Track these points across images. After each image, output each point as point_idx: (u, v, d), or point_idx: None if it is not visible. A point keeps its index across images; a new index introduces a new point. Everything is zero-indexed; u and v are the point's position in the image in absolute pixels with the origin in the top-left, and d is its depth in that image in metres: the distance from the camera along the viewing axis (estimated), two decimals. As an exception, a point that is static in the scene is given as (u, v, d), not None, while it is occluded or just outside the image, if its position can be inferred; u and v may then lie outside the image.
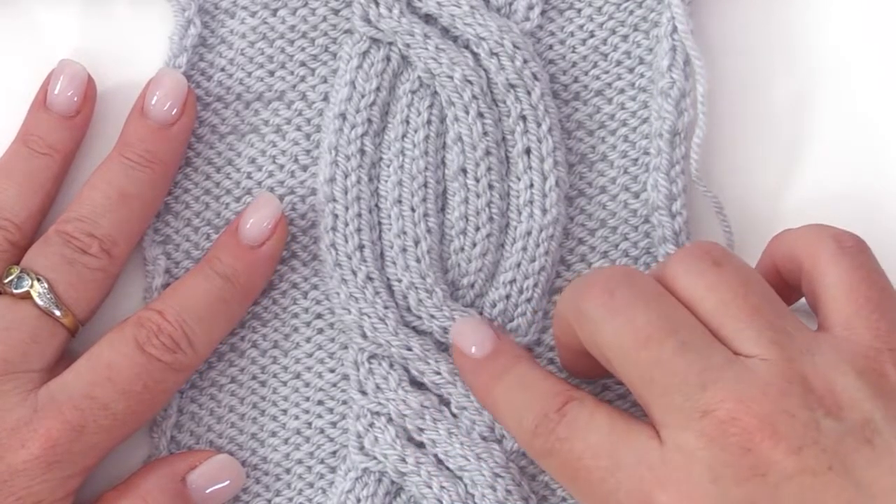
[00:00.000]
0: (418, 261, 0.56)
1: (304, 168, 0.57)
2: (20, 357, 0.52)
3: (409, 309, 0.55)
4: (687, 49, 0.56)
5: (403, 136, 0.56)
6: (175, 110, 0.55)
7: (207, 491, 0.54)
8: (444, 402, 0.55)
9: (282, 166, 0.57)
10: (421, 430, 0.55)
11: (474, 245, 0.56)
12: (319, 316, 0.57)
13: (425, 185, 0.56)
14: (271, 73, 0.57)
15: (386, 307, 0.55)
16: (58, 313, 0.53)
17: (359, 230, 0.56)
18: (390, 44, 0.56)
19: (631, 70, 0.57)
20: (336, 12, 0.57)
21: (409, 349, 0.55)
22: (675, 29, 0.56)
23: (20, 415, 0.51)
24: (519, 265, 0.56)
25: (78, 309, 0.53)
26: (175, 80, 0.55)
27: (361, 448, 0.55)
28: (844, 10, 0.58)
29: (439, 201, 0.56)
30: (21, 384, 0.52)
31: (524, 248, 0.56)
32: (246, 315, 0.56)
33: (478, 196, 0.56)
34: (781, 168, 0.58)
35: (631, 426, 0.48)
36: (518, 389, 0.52)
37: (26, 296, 0.53)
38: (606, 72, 0.57)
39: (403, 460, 0.55)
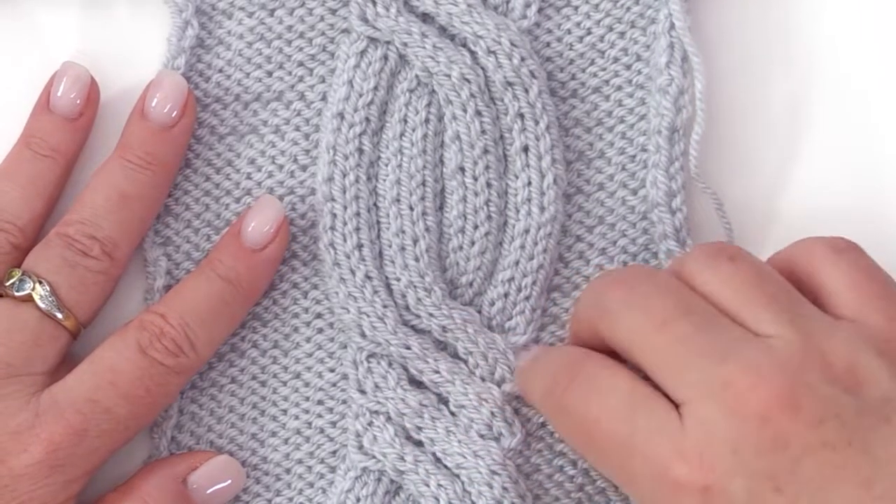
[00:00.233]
0: (417, 259, 0.56)
1: (304, 168, 0.57)
2: (22, 360, 0.53)
3: (407, 308, 0.56)
4: (685, 46, 0.56)
5: (401, 134, 0.56)
6: (175, 112, 0.55)
7: (208, 492, 0.55)
8: (443, 401, 0.56)
9: (281, 166, 0.57)
10: (419, 428, 0.55)
11: (473, 243, 0.56)
12: (319, 316, 0.57)
13: (423, 183, 0.56)
14: (269, 74, 0.57)
15: (385, 306, 0.55)
16: (60, 316, 0.53)
17: (357, 229, 0.56)
18: (388, 43, 0.56)
19: (628, 67, 0.57)
20: (333, 12, 0.57)
21: (408, 348, 0.55)
22: (672, 26, 0.56)
23: (22, 419, 0.52)
24: (517, 263, 0.56)
25: (80, 311, 0.54)
26: (175, 81, 0.56)
27: (360, 447, 0.56)
28: (842, 4, 0.58)
29: (437, 200, 0.56)
30: (23, 387, 0.52)
31: (522, 246, 0.56)
32: (246, 315, 0.57)
33: (476, 194, 0.56)
34: (779, 164, 0.58)
35: (651, 393, 0.48)
36: (538, 358, 0.53)
37: (28, 298, 0.53)
38: (604, 69, 0.57)
39: (402, 459, 0.55)
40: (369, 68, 0.56)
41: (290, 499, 0.56)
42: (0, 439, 0.51)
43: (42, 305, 0.53)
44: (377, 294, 0.55)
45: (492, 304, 0.56)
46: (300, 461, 0.56)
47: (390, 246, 0.56)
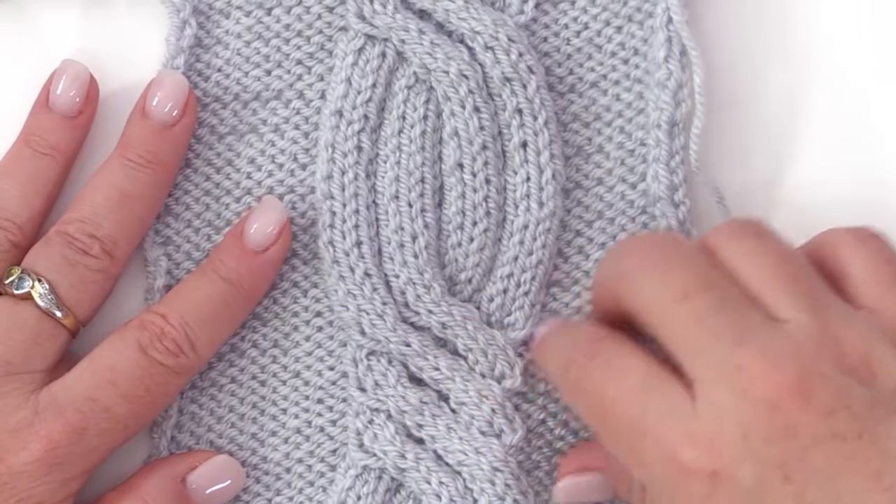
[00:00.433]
0: (416, 256, 0.56)
1: (304, 166, 0.57)
2: (21, 358, 0.53)
3: (407, 305, 0.56)
4: (683, 40, 0.56)
5: (400, 131, 0.56)
6: (176, 111, 0.55)
7: (207, 491, 0.55)
8: (443, 398, 0.55)
9: (281, 165, 0.57)
10: (420, 426, 0.55)
11: (472, 240, 0.56)
12: (319, 314, 0.57)
13: (422, 180, 0.56)
14: (268, 73, 0.57)
15: (384, 303, 0.55)
16: (59, 314, 0.53)
17: (356, 227, 0.56)
18: (385, 40, 0.56)
19: (626, 61, 0.57)
20: (331, 10, 0.57)
21: (408, 345, 0.55)
22: (670, 20, 0.56)
23: (21, 416, 0.52)
24: (516, 259, 0.56)
25: (79, 310, 0.54)
26: (176, 80, 0.56)
27: (361, 445, 0.55)
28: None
29: (436, 196, 0.56)
30: (22, 385, 0.52)
31: (521, 242, 0.56)
32: (247, 316, 0.57)
33: (475, 191, 0.56)
34: (778, 157, 0.58)
35: (665, 376, 0.48)
36: (558, 333, 0.53)
37: (27, 297, 0.53)
38: (601, 63, 0.57)
39: (403, 456, 0.55)
40: (367, 66, 0.56)
41: (291, 498, 0.56)
42: (-1, 437, 0.52)
43: (41, 304, 0.53)
44: (376, 291, 0.55)
45: (491, 300, 0.56)
46: (300, 460, 0.56)
47: (389, 243, 0.56)
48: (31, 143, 0.55)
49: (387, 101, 0.57)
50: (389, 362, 0.56)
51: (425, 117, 0.56)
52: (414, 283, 0.55)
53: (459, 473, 0.55)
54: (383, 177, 0.56)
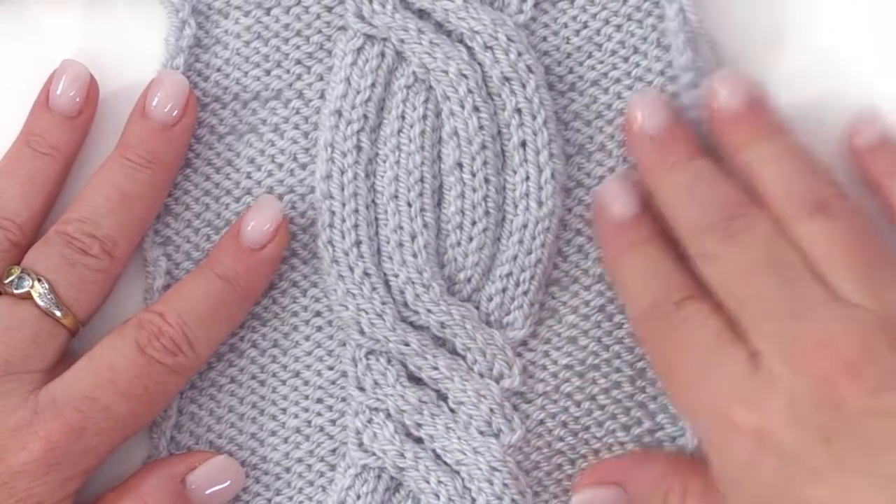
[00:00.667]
0: (415, 256, 0.56)
1: (303, 166, 0.57)
2: (20, 358, 0.53)
3: (406, 304, 0.56)
4: (703, 39, 0.56)
5: (399, 131, 0.56)
6: (176, 111, 0.55)
7: (207, 492, 0.55)
8: (442, 397, 0.55)
9: (281, 165, 0.57)
10: (419, 425, 0.55)
11: (471, 239, 0.56)
12: (318, 313, 0.57)
13: (422, 180, 0.56)
14: (267, 72, 0.57)
15: (383, 303, 0.55)
16: (58, 314, 0.53)
17: (356, 226, 0.56)
18: (384, 40, 0.56)
19: (626, 59, 0.57)
20: (330, 9, 0.57)
21: (407, 344, 0.55)
22: (686, 20, 0.56)
23: (21, 416, 0.52)
24: (515, 258, 0.56)
25: (78, 310, 0.54)
26: (176, 81, 0.56)
27: (360, 444, 0.55)
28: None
29: (436, 196, 0.56)
30: (21, 385, 0.52)
31: (520, 241, 0.56)
32: (246, 315, 0.57)
33: (474, 190, 0.56)
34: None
35: (736, 342, 0.50)
36: (646, 266, 0.54)
37: (27, 296, 0.53)
38: (601, 62, 0.57)
39: (402, 455, 0.55)
40: (366, 65, 0.56)
41: (291, 498, 0.56)
42: (-2, 437, 0.52)
43: (41, 303, 0.53)
44: (375, 291, 0.55)
45: (490, 299, 0.56)
46: (300, 460, 0.56)
47: (388, 242, 0.56)
48: (30, 143, 0.55)
49: (386, 100, 0.56)
50: (388, 361, 0.56)
51: (424, 117, 0.56)
52: (413, 283, 0.55)
53: (458, 473, 0.55)
54: (382, 176, 0.56)
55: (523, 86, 0.56)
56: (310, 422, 0.56)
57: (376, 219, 0.56)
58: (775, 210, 0.52)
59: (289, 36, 0.57)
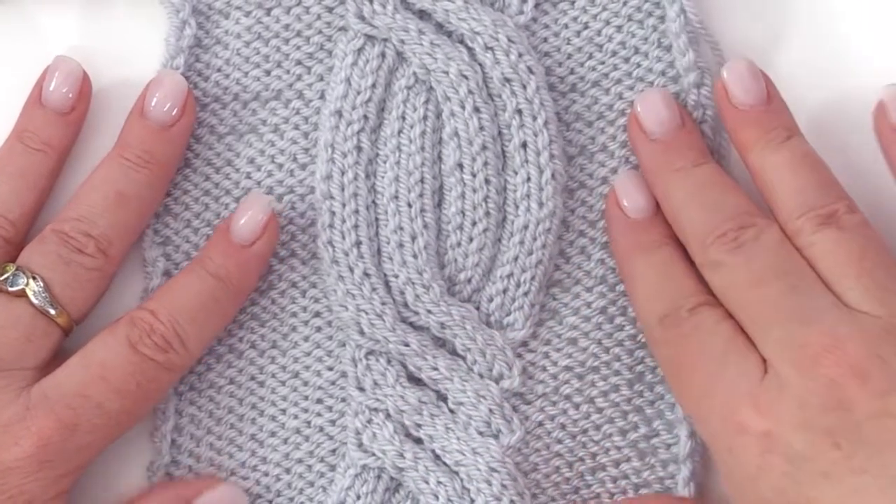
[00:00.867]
0: (415, 256, 0.55)
1: (303, 167, 0.57)
2: (14, 355, 0.52)
3: (406, 305, 0.55)
4: (705, 40, 0.56)
5: (400, 132, 0.56)
6: (175, 111, 0.55)
7: None
8: (442, 398, 0.55)
9: (280, 165, 0.57)
10: (419, 425, 0.55)
11: (471, 240, 0.56)
12: (318, 314, 0.56)
13: (422, 180, 0.56)
14: (268, 73, 0.57)
15: (383, 303, 0.55)
16: (53, 312, 0.53)
17: (356, 226, 0.55)
18: (385, 40, 0.56)
19: (626, 60, 0.57)
20: (330, 10, 0.57)
21: (407, 345, 0.55)
22: (687, 21, 0.56)
23: (13, 412, 0.51)
24: (516, 259, 0.56)
25: (73, 308, 0.53)
26: (175, 81, 0.56)
27: (360, 445, 0.55)
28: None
29: (436, 196, 0.56)
30: (13, 382, 0.52)
31: (521, 242, 0.56)
32: (244, 316, 0.56)
33: (474, 191, 0.56)
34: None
35: (746, 348, 0.51)
36: (660, 270, 0.54)
37: (21, 294, 0.53)
38: (602, 62, 0.57)
39: (401, 456, 0.54)
40: (367, 66, 0.56)
41: (291, 498, 0.56)
42: (-9, 433, 0.51)
43: (35, 301, 0.53)
44: (375, 291, 0.55)
45: (490, 300, 0.56)
46: (300, 460, 0.56)
47: (389, 243, 0.55)
48: (23, 139, 0.55)
49: (386, 101, 0.56)
50: (388, 362, 0.55)
51: (425, 118, 0.56)
52: (413, 283, 0.55)
53: (457, 473, 0.54)
54: (383, 177, 0.56)
55: (524, 87, 0.56)
56: (309, 422, 0.56)
57: (376, 219, 0.56)
58: (784, 217, 0.52)
59: (289, 36, 0.57)
